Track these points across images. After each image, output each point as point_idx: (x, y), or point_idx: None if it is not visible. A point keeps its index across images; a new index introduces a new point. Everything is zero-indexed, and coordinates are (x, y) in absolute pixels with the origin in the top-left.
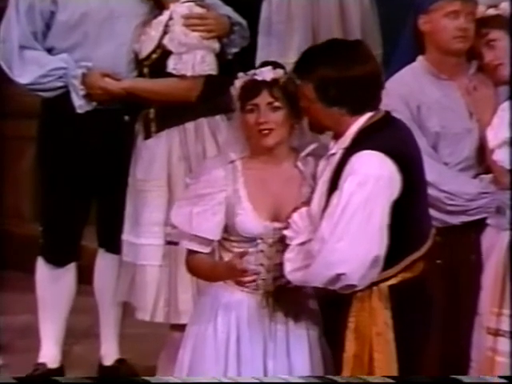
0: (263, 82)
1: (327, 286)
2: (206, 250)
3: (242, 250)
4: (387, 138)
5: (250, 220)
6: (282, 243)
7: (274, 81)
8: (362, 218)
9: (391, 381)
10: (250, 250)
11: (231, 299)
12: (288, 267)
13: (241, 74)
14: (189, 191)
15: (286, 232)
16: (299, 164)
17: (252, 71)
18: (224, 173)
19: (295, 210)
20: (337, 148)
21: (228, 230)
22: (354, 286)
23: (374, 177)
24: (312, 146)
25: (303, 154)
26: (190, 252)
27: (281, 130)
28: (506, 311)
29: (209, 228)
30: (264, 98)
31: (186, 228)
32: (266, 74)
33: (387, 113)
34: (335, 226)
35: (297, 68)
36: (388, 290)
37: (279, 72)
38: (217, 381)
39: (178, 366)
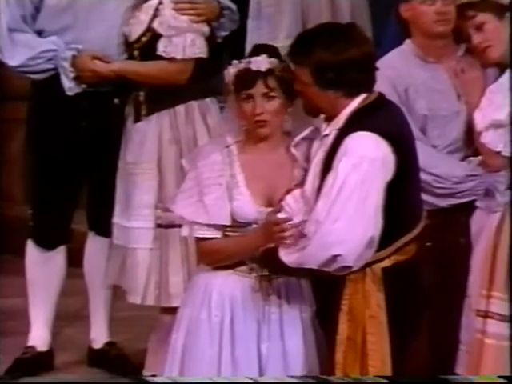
0: (258, 72)
1: (322, 268)
2: (219, 234)
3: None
4: (381, 120)
5: (247, 205)
6: None
7: (269, 70)
8: (358, 199)
9: (385, 381)
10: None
11: (225, 283)
12: (283, 249)
13: (235, 62)
14: (189, 180)
15: (279, 215)
16: (292, 148)
17: (246, 59)
18: (221, 157)
19: (288, 192)
20: (330, 129)
21: None
22: (349, 267)
23: (368, 158)
24: (306, 131)
25: (297, 138)
26: (201, 239)
27: (276, 119)
28: (496, 293)
29: (225, 215)
30: (259, 89)
31: (201, 218)
32: (261, 63)
33: (380, 94)
34: (331, 207)
35: (292, 52)
36: (381, 273)
37: (274, 61)
38: (211, 381)
39: (172, 350)
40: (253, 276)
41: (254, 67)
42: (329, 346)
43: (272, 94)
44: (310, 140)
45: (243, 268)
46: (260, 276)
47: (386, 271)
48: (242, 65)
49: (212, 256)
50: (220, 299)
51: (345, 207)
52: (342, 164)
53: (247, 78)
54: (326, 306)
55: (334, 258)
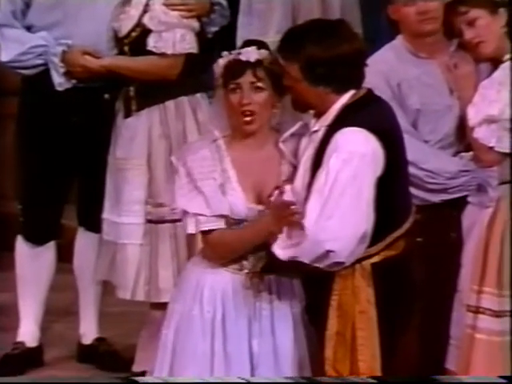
0: (247, 63)
1: (314, 263)
2: (223, 224)
3: None
4: (370, 115)
5: (240, 201)
6: None
7: (258, 61)
8: (351, 195)
9: (373, 381)
10: None
11: (216, 279)
12: (276, 243)
13: (225, 53)
14: (182, 177)
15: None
16: (281, 144)
17: (236, 50)
18: (210, 152)
19: (277, 188)
20: (319, 125)
21: None
22: (341, 263)
23: (358, 153)
24: (295, 127)
25: (286, 134)
26: (207, 232)
27: (263, 112)
28: (487, 289)
29: (226, 206)
30: (247, 78)
31: (205, 211)
32: (251, 54)
33: (369, 90)
34: (324, 204)
35: (282, 48)
36: (371, 268)
37: (263, 53)
38: (202, 381)
39: (162, 346)
40: (244, 273)
41: (243, 58)
42: (319, 342)
43: (260, 84)
44: (298, 136)
45: (234, 265)
46: (251, 273)
47: (376, 267)
48: (232, 56)
49: (225, 247)
50: (212, 295)
51: (338, 203)
52: (332, 160)
53: (236, 68)
54: (316, 302)
55: (328, 253)
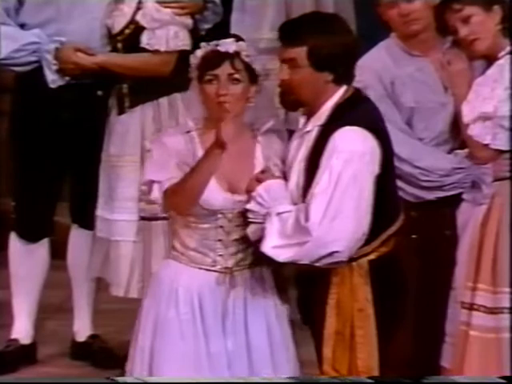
0: (225, 54)
1: (314, 263)
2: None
3: (201, 225)
4: (363, 114)
5: (212, 191)
6: (240, 218)
7: (236, 53)
8: (353, 195)
9: (370, 381)
10: (209, 225)
11: (191, 280)
12: (269, 242)
13: (203, 44)
14: (155, 154)
15: (248, 206)
16: (259, 138)
17: (214, 42)
18: (184, 142)
19: (257, 180)
20: (312, 125)
21: None
22: (342, 262)
23: (358, 153)
24: (271, 121)
25: (264, 128)
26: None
27: (238, 104)
28: (481, 285)
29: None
30: (225, 69)
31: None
32: (229, 45)
33: (357, 89)
34: (328, 205)
35: (287, 33)
36: (368, 266)
37: (242, 45)
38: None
39: (139, 350)
40: (217, 268)
41: (222, 49)
42: (315, 341)
43: (237, 76)
44: (272, 131)
45: (207, 260)
46: (224, 268)
47: (372, 264)
48: (210, 47)
49: (176, 195)
50: (188, 296)
51: (341, 204)
52: (334, 161)
53: (214, 59)
54: (310, 301)
55: (331, 254)
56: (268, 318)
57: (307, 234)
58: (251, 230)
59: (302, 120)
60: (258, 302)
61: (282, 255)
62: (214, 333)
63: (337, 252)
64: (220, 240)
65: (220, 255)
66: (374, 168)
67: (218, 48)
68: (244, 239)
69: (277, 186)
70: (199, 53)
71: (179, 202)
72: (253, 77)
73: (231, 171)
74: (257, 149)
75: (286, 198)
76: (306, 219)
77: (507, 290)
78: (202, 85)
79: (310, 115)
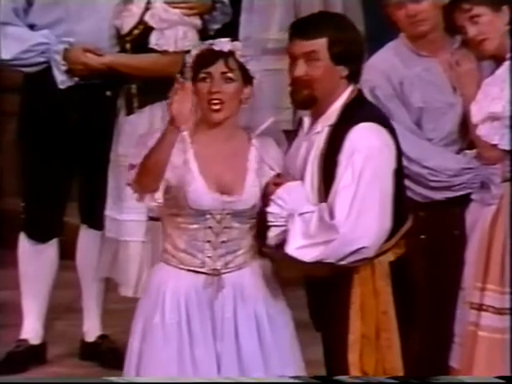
0: (220, 52)
1: (340, 262)
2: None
3: (191, 226)
4: (374, 111)
5: (201, 191)
6: (229, 220)
7: (231, 52)
8: (376, 190)
9: (393, 381)
10: (198, 226)
11: (178, 284)
12: (293, 243)
13: (198, 43)
14: (143, 145)
15: (269, 209)
16: (254, 140)
17: (210, 41)
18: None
19: (275, 184)
20: (321, 126)
21: (178, 204)
22: (366, 259)
23: (377, 148)
24: (267, 123)
25: (259, 129)
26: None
27: (230, 104)
28: (490, 286)
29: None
30: (219, 68)
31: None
32: (224, 44)
33: (360, 90)
34: (352, 202)
35: (306, 26)
36: (389, 267)
37: (237, 44)
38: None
39: (128, 354)
40: (205, 270)
41: (216, 47)
42: (334, 346)
43: (231, 75)
44: (268, 134)
45: (196, 262)
46: (212, 270)
47: (392, 266)
48: (205, 46)
49: (141, 175)
50: (175, 301)
51: (365, 200)
52: (355, 158)
53: (208, 57)
54: (327, 307)
55: (358, 250)
56: (259, 321)
57: (334, 232)
58: (272, 234)
59: (307, 122)
60: (248, 304)
61: (307, 255)
62: (201, 337)
63: (363, 248)
64: (209, 241)
65: (208, 256)
66: (392, 163)
67: (213, 47)
68: (233, 241)
69: (296, 188)
70: (194, 51)
71: (144, 180)
72: (247, 77)
73: (222, 172)
74: (250, 151)
75: (306, 198)
76: (332, 217)
77: None
78: (196, 83)
79: (316, 116)
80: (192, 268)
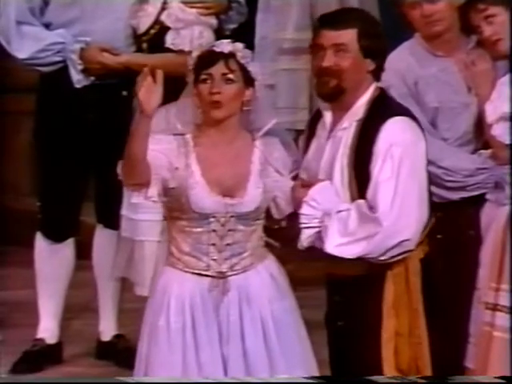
0: (220, 53)
1: (380, 257)
2: None
3: (195, 229)
4: (400, 106)
5: (203, 194)
6: (233, 222)
7: (231, 53)
8: (415, 182)
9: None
10: (202, 229)
11: (183, 287)
12: (332, 241)
13: (201, 46)
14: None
15: (302, 211)
16: (257, 142)
17: (211, 43)
18: (176, 143)
19: (305, 186)
20: (349, 122)
21: (181, 207)
22: (407, 252)
23: (414, 142)
24: (269, 124)
25: (262, 131)
26: None
27: (231, 105)
28: (505, 286)
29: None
30: (219, 69)
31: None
32: (225, 46)
33: (383, 89)
34: (394, 194)
35: (334, 18)
36: (420, 264)
37: (238, 46)
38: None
39: (137, 357)
40: (210, 273)
41: (217, 49)
42: (368, 345)
43: (231, 76)
44: (274, 135)
45: (201, 265)
46: (217, 273)
47: (421, 263)
48: (206, 48)
49: (123, 167)
50: (179, 305)
51: (406, 192)
52: (393, 151)
53: (209, 58)
54: (357, 306)
55: (401, 243)
56: (264, 323)
57: (376, 226)
58: (306, 236)
59: (328, 119)
60: (254, 306)
61: (347, 252)
62: (206, 341)
63: (406, 241)
64: (213, 244)
65: (214, 259)
66: (425, 155)
67: (214, 48)
68: (238, 243)
69: (327, 188)
70: (195, 53)
71: (124, 171)
72: (248, 79)
73: (224, 175)
74: (254, 153)
75: (337, 197)
76: (374, 210)
77: None
78: (198, 85)
79: (340, 113)
80: (197, 271)
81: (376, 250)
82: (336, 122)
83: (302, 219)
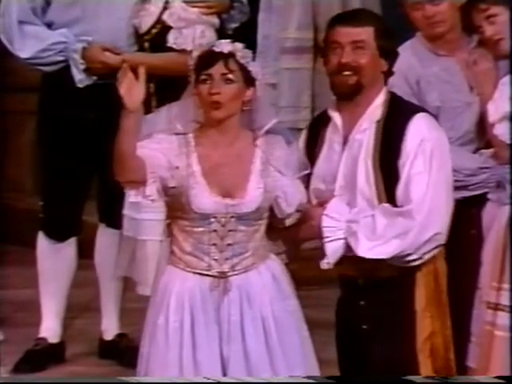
0: (220, 53)
1: (413, 255)
2: None
3: (196, 229)
4: (417, 105)
5: (203, 195)
6: (234, 223)
7: (231, 54)
8: (445, 176)
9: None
10: (203, 229)
11: (184, 285)
12: (363, 245)
13: (201, 45)
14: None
15: (325, 223)
16: (258, 141)
17: (212, 43)
18: (177, 142)
19: (321, 204)
20: (368, 122)
21: (182, 207)
22: (438, 246)
23: (441, 136)
24: (269, 124)
25: (262, 131)
26: None
27: (231, 105)
28: (506, 285)
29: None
30: (218, 69)
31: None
32: (224, 46)
33: (392, 93)
34: (427, 187)
35: (351, 15)
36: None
37: (238, 46)
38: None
39: (140, 355)
40: (211, 272)
41: (217, 49)
42: (402, 348)
43: (231, 76)
44: (276, 133)
45: (202, 264)
46: (219, 273)
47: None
48: (206, 48)
49: (114, 163)
50: (179, 304)
51: (437, 185)
52: (424, 146)
53: (208, 58)
54: (386, 309)
55: (433, 237)
56: (265, 323)
57: (409, 220)
58: (332, 250)
59: (339, 123)
60: (255, 307)
61: (381, 252)
62: (204, 341)
63: (437, 234)
64: (214, 244)
65: (215, 259)
66: (449, 151)
67: (213, 48)
68: (239, 243)
69: (342, 202)
70: (195, 53)
71: (117, 168)
72: (248, 79)
73: (225, 175)
74: (255, 153)
75: (358, 205)
76: (407, 203)
77: None
78: (198, 85)
79: (354, 115)
80: (198, 271)
81: (410, 246)
82: (350, 124)
83: (326, 233)
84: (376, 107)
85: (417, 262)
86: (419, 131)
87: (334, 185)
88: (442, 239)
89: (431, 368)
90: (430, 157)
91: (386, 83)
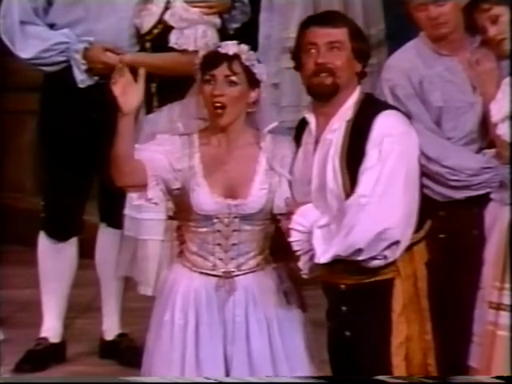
0: (224, 55)
1: (372, 252)
2: None
3: (200, 229)
4: (388, 103)
5: (204, 195)
6: (238, 223)
7: (236, 55)
8: (402, 173)
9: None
10: (207, 229)
11: (190, 285)
12: (321, 252)
13: (207, 45)
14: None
15: (292, 238)
16: (262, 143)
17: (217, 44)
18: (180, 143)
19: (289, 215)
20: (338, 123)
21: (185, 207)
22: (397, 242)
23: (405, 132)
24: (271, 125)
25: (265, 131)
26: None
27: (234, 107)
28: (508, 285)
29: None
30: (222, 70)
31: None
32: (229, 47)
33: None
34: (377, 181)
35: (331, 15)
36: (426, 269)
37: (243, 47)
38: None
39: (145, 351)
40: (217, 272)
41: (222, 50)
42: (378, 352)
43: (234, 78)
44: (275, 134)
45: (207, 264)
46: (224, 272)
47: (428, 266)
48: (212, 48)
49: (111, 167)
50: (185, 302)
51: (390, 180)
52: (384, 143)
53: (213, 59)
54: (364, 316)
55: (384, 232)
56: (269, 325)
57: (356, 211)
58: (303, 262)
59: (313, 124)
60: (260, 308)
61: (335, 251)
62: (208, 340)
63: (388, 229)
64: (219, 244)
65: (220, 259)
66: (417, 148)
67: (219, 49)
68: (244, 243)
69: (309, 209)
70: (201, 53)
71: (115, 172)
72: (253, 81)
73: (228, 175)
74: (260, 153)
75: (323, 213)
76: (357, 195)
77: None
78: (202, 84)
79: (327, 116)
80: (204, 271)
81: (359, 240)
82: (323, 125)
83: (295, 247)
84: (348, 108)
85: (378, 262)
86: (384, 128)
87: (309, 186)
88: (396, 236)
89: (405, 372)
90: (387, 151)
91: (359, 83)
